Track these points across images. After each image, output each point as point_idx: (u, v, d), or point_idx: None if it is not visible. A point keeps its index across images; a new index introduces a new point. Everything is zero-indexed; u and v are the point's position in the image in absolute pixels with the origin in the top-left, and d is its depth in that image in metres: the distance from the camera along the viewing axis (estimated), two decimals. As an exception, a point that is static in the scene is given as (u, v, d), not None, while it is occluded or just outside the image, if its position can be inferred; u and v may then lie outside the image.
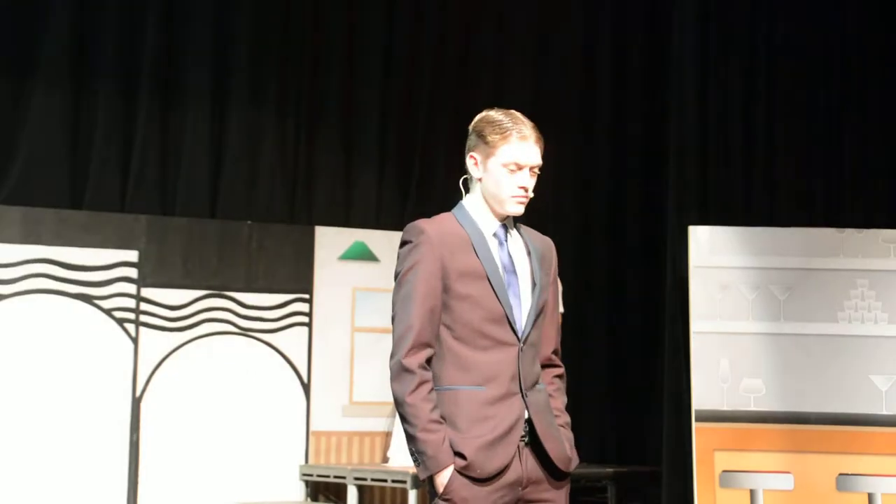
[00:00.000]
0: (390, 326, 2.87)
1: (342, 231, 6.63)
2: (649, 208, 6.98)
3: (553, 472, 2.87)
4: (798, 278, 5.55)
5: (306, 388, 6.41)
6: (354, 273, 6.58)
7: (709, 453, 5.43)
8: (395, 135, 6.94)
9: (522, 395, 2.83)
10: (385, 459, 6.41)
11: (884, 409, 5.41)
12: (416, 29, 7.03)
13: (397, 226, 6.29)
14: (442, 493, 2.76)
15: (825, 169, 6.43)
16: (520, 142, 2.86)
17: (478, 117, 2.94)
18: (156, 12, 6.35)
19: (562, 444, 2.88)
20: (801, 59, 6.45)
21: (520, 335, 2.84)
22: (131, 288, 6.10)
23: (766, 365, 5.49)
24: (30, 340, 5.88)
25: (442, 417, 2.78)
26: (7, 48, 6.09)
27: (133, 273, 6.11)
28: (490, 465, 2.76)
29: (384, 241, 6.58)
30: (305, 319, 6.44)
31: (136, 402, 6.05)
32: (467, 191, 2.96)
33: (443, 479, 2.75)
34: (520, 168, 2.87)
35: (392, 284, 2.90)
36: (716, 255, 5.61)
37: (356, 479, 6.04)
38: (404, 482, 5.72)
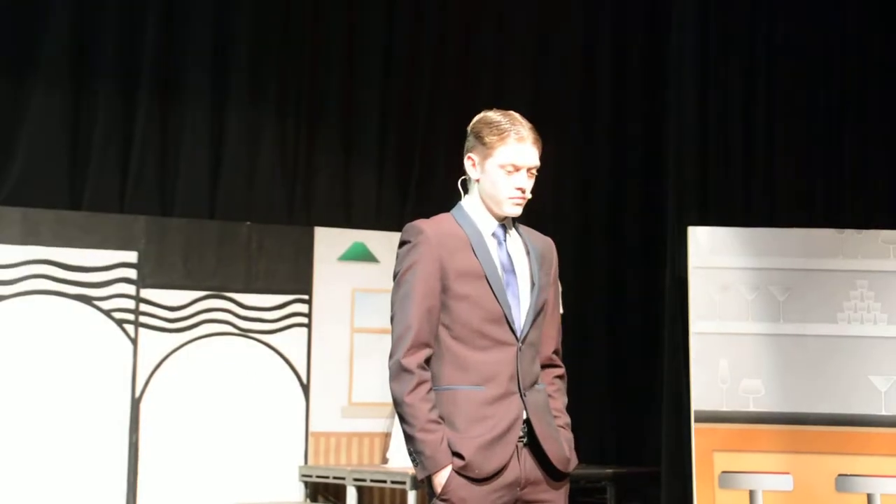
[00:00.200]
0: (390, 327, 2.87)
1: (341, 232, 6.63)
2: (649, 209, 6.98)
3: (552, 472, 2.87)
4: (797, 279, 5.54)
5: (305, 388, 6.41)
6: (354, 274, 6.58)
7: (708, 454, 5.43)
8: (394, 135, 6.94)
9: (521, 395, 2.83)
10: (384, 460, 6.40)
11: (883, 410, 5.41)
12: (416, 29, 7.03)
13: (397, 226, 6.26)
14: (440, 494, 2.76)
15: (825, 169, 6.42)
16: (517, 143, 2.87)
17: (476, 118, 2.95)
18: (155, 12, 6.35)
19: (560, 444, 2.88)
20: (800, 59, 6.44)
21: (518, 335, 2.84)
22: (130, 289, 6.10)
23: (766, 365, 5.49)
24: (29, 341, 5.88)
25: (441, 417, 2.78)
26: (7, 48, 6.09)
27: (132, 274, 6.11)
28: (488, 465, 2.76)
29: (383, 242, 6.57)
30: (305, 320, 6.44)
31: (135, 403, 6.04)
32: (466, 191, 2.96)
33: (441, 479, 2.75)
34: (517, 169, 2.87)
35: (391, 285, 2.90)
36: (715, 256, 5.61)
37: (355, 479, 6.03)
38: (403, 483, 5.72)
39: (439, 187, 6.79)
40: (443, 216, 2.93)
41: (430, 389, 2.78)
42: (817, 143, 6.44)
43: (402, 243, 2.88)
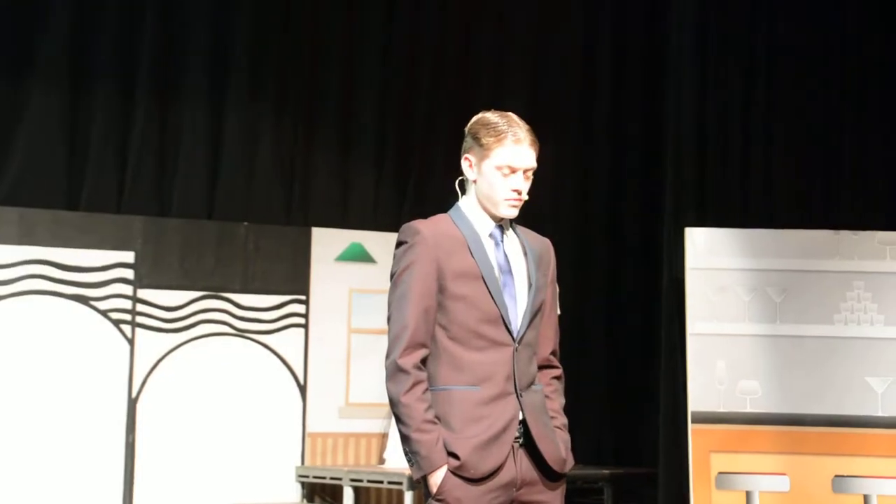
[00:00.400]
0: (387, 328, 2.87)
1: (339, 232, 6.63)
2: (647, 210, 6.98)
3: (548, 473, 2.87)
4: (794, 280, 5.55)
5: (302, 389, 6.41)
6: (351, 274, 6.58)
7: (705, 455, 5.43)
8: (392, 136, 6.93)
9: (517, 396, 2.83)
10: (381, 461, 6.40)
11: (879, 411, 5.42)
12: (415, 29, 7.02)
13: (394, 227, 6.26)
14: (436, 494, 2.76)
15: (822, 170, 6.43)
16: (514, 145, 2.87)
17: (474, 119, 2.95)
18: (154, 13, 6.34)
19: (557, 445, 2.88)
20: (799, 60, 6.45)
21: (515, 336, 2.85)
22: (127, 289, 6.09)
23: (763, 366, 5.50)
24: (25, 342, 5.87)
25: (436, 417, 2.78)
26: (5, 48, 6.08)
27: (129, 274, 6.11)
28: (483, 465, 2.76)
29: (381, 243, 6.57)
30: (302, 321, 6.44)
31: (132, 404, 6.04)
32: (463, 192, 2.97)
33: (436, 479, 2.76)
34: (513, 171, 2.87)
35: (389, 285, 2.90)
36: (712, 257, 5.61)
37: (352, 480, 6.03)
38: (400, 483, 5.72)
39: (437, 188, 6.78)
40: (440, 217, 2.93)
41: (426, 389, 2.79)
42: (815, 145, 6.45)
43: (398, 244, 2.88)
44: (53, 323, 5.93)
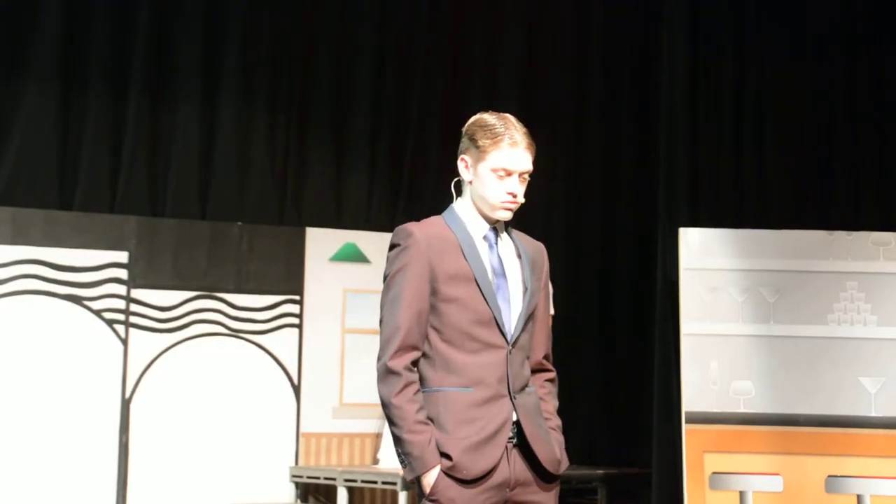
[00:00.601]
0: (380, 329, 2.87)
1: (333, 232, 6.63)
2: (640, 210, 6.99)
3: (542, 474, 2.87)
4: (788, 280, 5.55)
5: (296, 389, 6.40)
6: (345, 274, 6.58)
7: (699, 455, 5.44)
8: (386, 136, 6.93)
9: (511, 398, 2.83)
10: (375, 461, 6.40)
11: (873, 412, 5.42)
12: (408, 29, 7.03)
13: (388, 227, 6.28)
14: (429, 494, 2.76)
15: (816, 171, 6.44)
16: (510, 148, 2.86)
17: (471, 120, 2.94)
18: (146, 12, 6.33)
19: (551, 446, 2.88)
20: (793, 60, 6.46)
21: (508, 338, 2.84)
22: (121, 289, 6.09)
23: (756, 367, 5.50)
24: (19, 341, 5.86)
25: (429, 419, 2.78)
26: (-3, 48, 6.08)
27: (123, 274, 6.10)
28: (476, 466, 2.76)
29: (375, 243, 6.57)
30: (296, 321, 6.44)
31: (125, 404, 6.03)
32: (459, 193, 2.96)
33: (429, 479, 2.75)
34: (509, 174, 2.86)
35: (382, 287, 2.90)
36: (706, 258, 5.62)
37: (346, 480, 6.03)
38: (394, 484, 5.72)
39: (431, 188, 6.79)
40: (433, 219, 2.93)
41: (418, 391, 2.79)
42: (809, 145, 6.45)
43: (392, 246, 2.88)
44: (47, 323, 5.92)
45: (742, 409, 5.47)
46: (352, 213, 6.80)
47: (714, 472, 5.43)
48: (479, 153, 2.87)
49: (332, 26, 6.83)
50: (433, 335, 2.83)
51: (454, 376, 2.81)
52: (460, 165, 2.92)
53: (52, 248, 5.97)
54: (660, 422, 5.95)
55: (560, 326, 5.51)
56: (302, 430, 6.39)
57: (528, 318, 2.90)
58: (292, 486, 6.30)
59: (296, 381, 6.41)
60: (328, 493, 6.35)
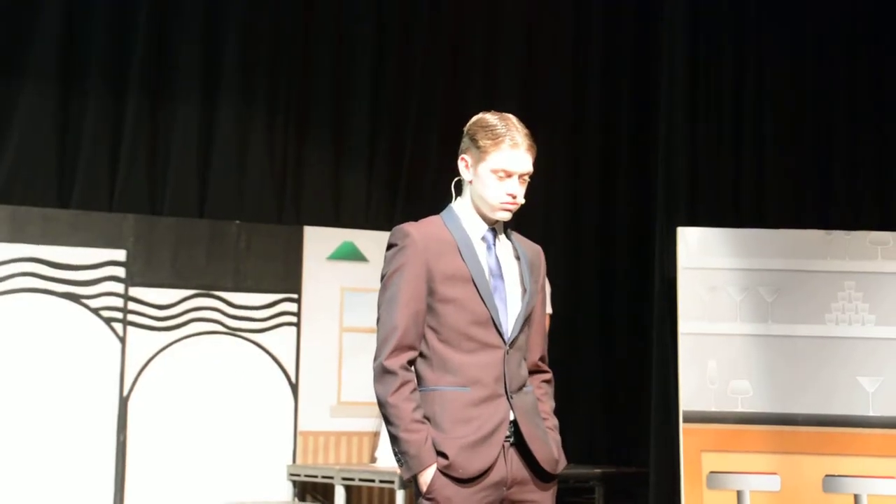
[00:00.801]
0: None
1: (331, 231, 6.62)
2: (639, 209, 6.99)
3: (539, 473, 2.87)
4: (786, 280, 5.56)
5: (294, 387, 6.40)
6: (343, 273, 6.58)
7: (696, 454, 5.44)
8: (384, 134, 6.93)
9: (508, 398, 2.83)
10: (373, 459, 6.40)
11: (870, 411, 5.43)
12: (408, 28, 7.02)
13: (386, 226, 6.28)
14: (425, 493, 2.77)
15: (814, 170, 6.44)
16: (511, 149, 2.86)
17: (473, 120, 2.94)
18: (145, 11, 6.33)
19: (548, 445, 2.88)
20: (792, 60, 6.46)
21: (506, 338, 2.84)
22: (119, 287, 6.08)
23: (754, 366, 5.50)
24: (16, 340, 5.86)
25: (426, 418, 2.78)
26: (-4, 46, 6.08)
27: (121, 272, 6.09)
28: (472, 465, 2.76)
29: (373, 241, 6.57)
30: (294, 319, 6.43)
31: (123, 402, 6.03)
32: (459, 193, 2.96)
33: (426, 478, 2.76)
34: (509, 175, 2.87)
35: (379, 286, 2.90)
36: (704, 257, 5.62)
37: (344, 479, 6.03)
38: (392, 482, 5.72)
39: (429, 187, 6.79)
40: (432, 219, 2.93)
41: (414, 390, 2.79)
42: (807, 145, 6.45)
43: (389, 246, 2.88)
44: (44, 321, 5.92)
45: (740, 408, 5.48)
46: (350, 212, 6.80)
47: (712, 472, 5.43)
48: (480, 153, 2.87)
49: (331, 26, 6.82)
50: (430, 335, 2.83)
51: (451, 376, 2.81)
52: (460, 165, 2.93)
53: (50, 246, 5.96)
54: (657, 421, 5.95)
55: (559, 326, 5.52)
56: (300, 428, 6.39)
57: (526, 319, 2.90)
58: (290, 485, 6.30)
59: (293, 380, 6.41)
60: (326, 491, 6.35)
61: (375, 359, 2.82)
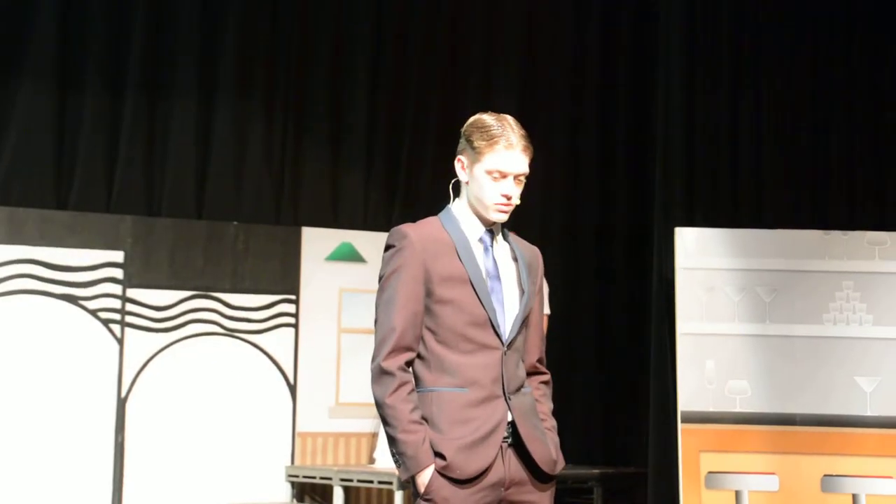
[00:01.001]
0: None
1: (329, 232, 6.62)
2: (636, 209, 6.99)
3: (538, 474, 2.87)
4: (784, 280, 5.56)
5: (292, 388, 6.40)
6: (341, 274, 6.58)
7: (694, 454, 5.44)
8: (382, 135, 6.93)
9: (505, 399, 2.83)
10: (371, 460, 6.40)
11: (868, 411, 5.43)
12: (405, 28, 7.02)
13: (384, 227, 6.28)
14: (423, 494, 2.77)
15: (812, 171, 6.45)
16: (506, 150, 2.85)
17: (470, 120, 2.93)
18: (143, 12, 6.33)
19: (546, 446, 2.88)
20: (788, 60, 6.46)
21: (504, 339, 2.84)
22: (117, 288, 6.08)
23: (752, 366, 5.51)
24: (14, 341, 5.86)
25: (423, 419, 2.78)
26: (-8, 47, 6.07)
27: (119, 273, 6.09)
28: (469, 466, 2.76)
29: (371, 242, 6.57)
30: (292, 320, 6.43)
31: (121, 403, 6.03)
32: (456, 194, 2.96)
33: (424, 478, 2.76)
34: (504, 176, 2.86)
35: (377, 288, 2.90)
36: (702, 257, 5.62)
37: (342, 480, 6.03)
38: (390, 483, 5.72)
39: (427, 188, 6.79)
40: (429, 220, 2.93)
41: (412, 391, 2.79)
42: (804, 145, 6.46)
43: (387, 247, 2.88)
44: (42, 323, 5.92)
45: (738, 408, 5.48)
46: (348, 213, 6.80)
47: (710, 472, 5.43)
48: (475, 154, 2.87)
49: (328, 26, 6.82)
50: (428, 336, 2.83)
51: (449, 377, 2.81)
52: (457, 166, 2.92)
53: (47, 247, 5.96)
54: (656, 421, 5.95)
55: (557, 326, 5.52)
56: (298, 429, 6.39)
57: (524, 320, 2.90)
58: (288, 486, 6.30)
59: (292, 381, 6.41)
60: (324, 492, 6.35)
61: (373, 360, 2.82)
